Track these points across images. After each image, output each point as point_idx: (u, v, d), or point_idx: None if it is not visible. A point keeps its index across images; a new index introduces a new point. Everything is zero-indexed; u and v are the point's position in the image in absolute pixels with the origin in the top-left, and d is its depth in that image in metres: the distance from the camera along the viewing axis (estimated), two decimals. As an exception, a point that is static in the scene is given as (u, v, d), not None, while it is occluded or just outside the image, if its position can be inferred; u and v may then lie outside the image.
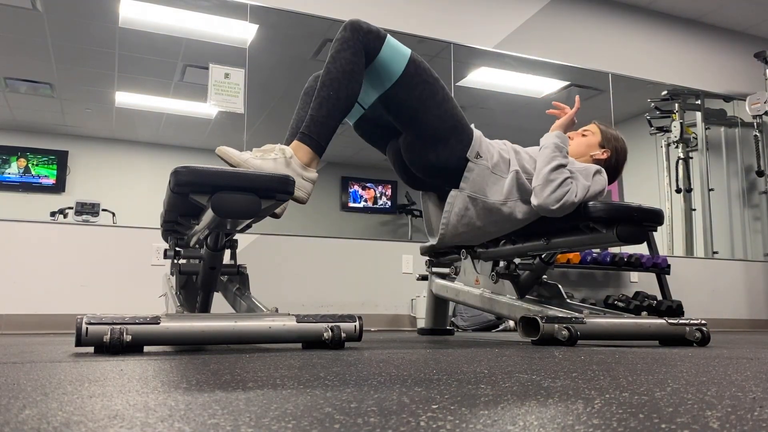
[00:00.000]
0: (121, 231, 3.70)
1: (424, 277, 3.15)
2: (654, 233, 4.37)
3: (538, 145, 2.10)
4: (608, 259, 4.42)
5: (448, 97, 1.91)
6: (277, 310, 1.74)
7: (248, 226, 1.69)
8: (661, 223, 2.05)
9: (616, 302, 4.42)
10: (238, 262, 2.17)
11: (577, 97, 2.21)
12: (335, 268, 4.10)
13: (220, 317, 1.58)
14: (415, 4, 4.63)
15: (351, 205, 6.05)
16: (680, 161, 5.62)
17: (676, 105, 5.61)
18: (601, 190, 2.05)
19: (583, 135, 2.27)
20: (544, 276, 2.49)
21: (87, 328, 1.42)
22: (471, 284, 2.65)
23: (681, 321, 2.14)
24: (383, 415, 0.62)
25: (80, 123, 5.33)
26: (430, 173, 2.00)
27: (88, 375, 0.98)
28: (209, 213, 1.48)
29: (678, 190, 5.61)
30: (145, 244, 3.66)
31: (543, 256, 2.38)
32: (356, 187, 6.08)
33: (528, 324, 2.08)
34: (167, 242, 2.17)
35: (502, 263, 2.45)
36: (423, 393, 0.79)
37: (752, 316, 5.33)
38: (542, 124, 2.32)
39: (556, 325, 1.95)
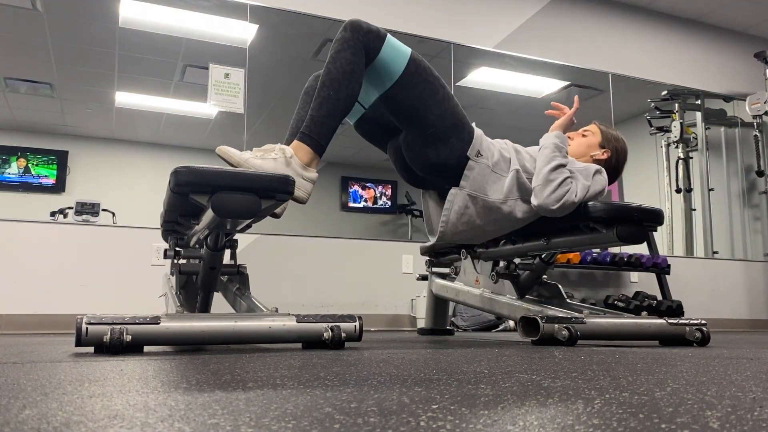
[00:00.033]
0: (121, 231, 3.70)
1: (424, 277, 3.15)
2: (654, 233, 4.37)
3: (538, 145, 2.11)
4: (608, 259, 4.42)
5: (449, 95, 1.92)
6: (277, 310, 1.74)
7: (248, 226, 1.69)
8: (661, 223, 2.05)
9: (616, 302, 4.42)
10: (238, 262, 2.17)
11: (576, 98, 2.21)
12: (335, 268, 4.10)
13: (220, 317, 1.58)
14: (415, 4, 4.63)
15: (351, 205, 6.05)
16: (680, 161, 5.62)
17: (676, 105, 5.61)
18: (601, 189, 2.05)
19: (584, 135, 2.27)
20: (544, 276, 2.49)
21: (87, 328, 1.42)
22: (471, 284, 2.65)
23: (681, 321, 2.13)
24: (383, 415, 0.62)
25: (80, 123, 5.33)
26: (430, 171, 2.00)
27: (88, 375, 0.98)
28: (209, 213, 1.48)
29: (678, 190, 5.61)
30: (145, 244, 3.66)
31: (543, 256, 2.38)
32: (356, 187, 6.08)
33: (528, 324, 2.08)
34: (167, 242, 2.17)
35: (502, 263, 2.45)
36: (423, 393, 0.79)
37: (752, 316, 5.33)
38: (542, 124, 2.32)
39: (556, 325, 1.95)
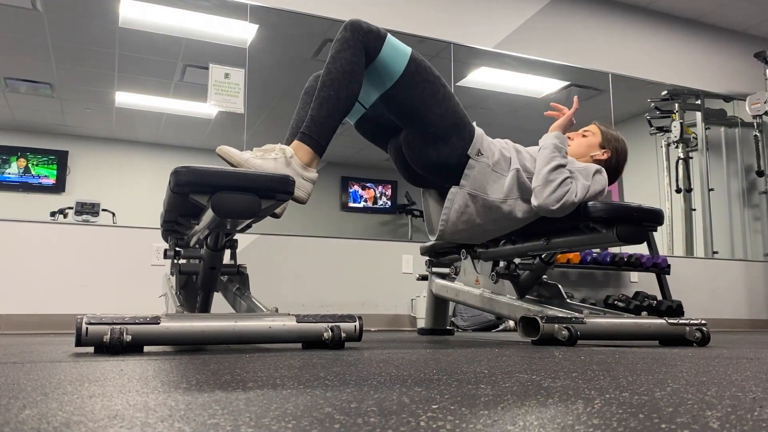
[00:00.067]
0: (121, 231, 3.70)
1: (424, 277, 3.15)
2: (654, 233, 4.37)
3: (538, 145, 2.11)
4: (608, 259, 4.42)
5: (450, 94, 1.92)
6: (277, 310, 1.74)
7: (248, 226, 1.69)
8: (661, 223, 2.05)
9: (616, 302, 4.42)
10: (238, 262, 2.17)
11: (575, 98, 2.21)
12: (335, 268, 4.10)
13: (220, 317, 1.58)
14: (415, 4, 4.63)
15: (351, 205, 6.05)
16: (680, 161, 5.62)
17: (676, 105, 5.61)
18: (601, 189, 2.05)
19: (584, 135, 2.27)
20: (544, 276, 2.49)
21: (87, 328, 1.42)
22: (471, 284, 2.65)
23: (681, 321, 2.14)
24: (383, 415, 0.62)
25: (80, 123, 5.32)
26: (431, 170, 2.00)
27: (88, 375, 0.98)
28: (209, 213, 1.48)
29: (678, 190, 5.61)
30: (145, 244, 3.66)
31: (543, 256, 2.38)
32: (356, 187, 6.08)
33: (528, 324, 2.08)
34: (167, 242, 2.17)
35: (502, 263, 2.45)
36: (423, 393, 0.79)
37: (752, 316, 5.33)
38: (542, 124, 2.32)
39: (556, 325, 1.95)
